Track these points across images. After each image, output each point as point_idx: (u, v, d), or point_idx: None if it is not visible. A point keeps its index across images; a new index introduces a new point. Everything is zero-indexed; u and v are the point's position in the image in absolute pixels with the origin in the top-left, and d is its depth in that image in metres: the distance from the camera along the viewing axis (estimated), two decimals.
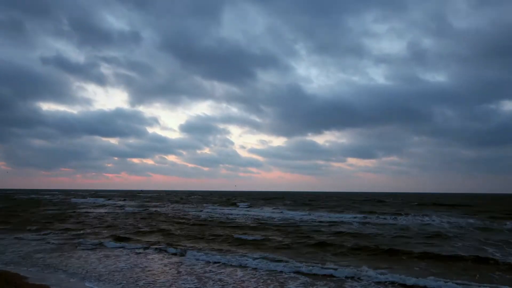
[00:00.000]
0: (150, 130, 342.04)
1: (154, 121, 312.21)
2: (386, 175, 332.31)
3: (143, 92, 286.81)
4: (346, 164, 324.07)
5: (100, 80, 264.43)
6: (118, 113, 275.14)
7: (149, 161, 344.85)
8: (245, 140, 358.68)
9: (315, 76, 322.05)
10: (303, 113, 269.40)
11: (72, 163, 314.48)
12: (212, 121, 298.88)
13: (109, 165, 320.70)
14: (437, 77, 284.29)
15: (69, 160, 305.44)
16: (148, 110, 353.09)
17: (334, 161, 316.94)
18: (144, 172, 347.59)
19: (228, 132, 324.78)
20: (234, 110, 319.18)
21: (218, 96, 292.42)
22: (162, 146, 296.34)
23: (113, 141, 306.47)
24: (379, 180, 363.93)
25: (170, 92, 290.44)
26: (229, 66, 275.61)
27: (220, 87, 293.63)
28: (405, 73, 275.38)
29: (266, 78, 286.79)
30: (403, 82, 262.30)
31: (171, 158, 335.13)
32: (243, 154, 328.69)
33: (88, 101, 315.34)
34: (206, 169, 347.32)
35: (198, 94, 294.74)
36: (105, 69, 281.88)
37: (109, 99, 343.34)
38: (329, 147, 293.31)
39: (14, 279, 10.44)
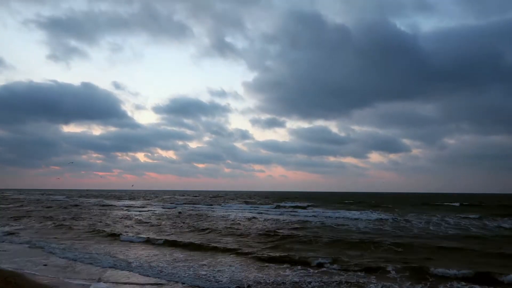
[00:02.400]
0: (123, 107, 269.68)
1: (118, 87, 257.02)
2: None
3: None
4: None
5: None
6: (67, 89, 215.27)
7: (138, 156, 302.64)
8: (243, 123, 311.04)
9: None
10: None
11: (54, 160, 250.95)
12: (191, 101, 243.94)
13: (95, 161, 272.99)
14: None
15: (45, 155, 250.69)
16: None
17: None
18: (137, 170, 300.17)
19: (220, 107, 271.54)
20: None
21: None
22: (136, 133, 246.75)
23: (78, 129, 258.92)
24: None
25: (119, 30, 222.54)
26: None
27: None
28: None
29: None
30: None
31: (160, 152, 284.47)
32: (242, 147, 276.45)
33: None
34: (201, 166, 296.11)
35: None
36: None
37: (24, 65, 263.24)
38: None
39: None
